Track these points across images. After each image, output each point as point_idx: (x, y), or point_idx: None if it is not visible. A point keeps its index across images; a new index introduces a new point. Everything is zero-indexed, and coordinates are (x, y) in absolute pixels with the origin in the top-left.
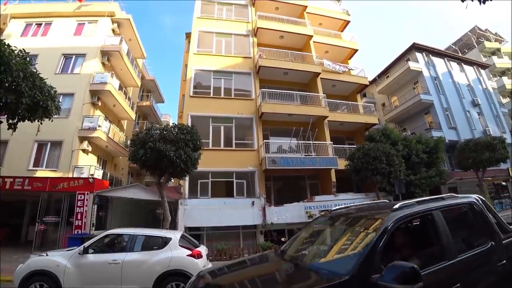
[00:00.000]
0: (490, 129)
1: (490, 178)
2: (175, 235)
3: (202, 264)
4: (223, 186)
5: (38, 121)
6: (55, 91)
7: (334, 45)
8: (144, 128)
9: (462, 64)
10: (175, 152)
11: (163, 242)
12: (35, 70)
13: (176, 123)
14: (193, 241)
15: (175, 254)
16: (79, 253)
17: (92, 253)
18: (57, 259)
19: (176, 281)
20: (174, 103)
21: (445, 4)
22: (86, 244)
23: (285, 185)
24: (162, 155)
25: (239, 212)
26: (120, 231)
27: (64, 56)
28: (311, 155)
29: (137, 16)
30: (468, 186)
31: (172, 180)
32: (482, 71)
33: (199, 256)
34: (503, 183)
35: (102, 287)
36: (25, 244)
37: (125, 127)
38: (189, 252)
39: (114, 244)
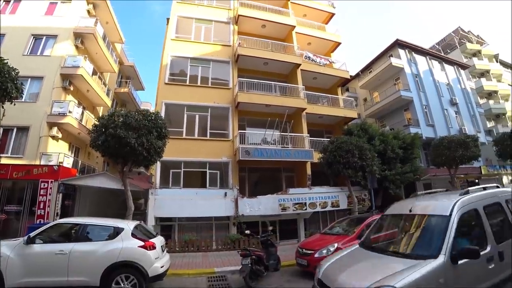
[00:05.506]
0: (466, 128)
1: (463, 176)
2: (128, 225)
3: (155, 256)
4: (196, 177)
5: None
6: (17, 73)
7: (317, 37)
8: (107, 113)
9: (443, 63)
10: (137, 139)
11: (115, 232)
12: None
13: (152, 111)
14: (150, 232)
15: (126, 245)
16: (24, 243)
17: (40, 243)
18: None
19: (126, 273)
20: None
21: (432, 4)
22: (32, 233)
23: (261, 177)
24: (123, 142)
25: (211, 203)
26: (69, 220)
27: (34, 37)
28: (287, 147)
29: (123, 1)
30: (442, 183)
31: (146, 170)
32: (462, 72)
33: (151, 247)
34: (476, 181)
35: (47, 279)
36: None
37: (100, 114)
38: (142, 243)
39: (65, 234)
